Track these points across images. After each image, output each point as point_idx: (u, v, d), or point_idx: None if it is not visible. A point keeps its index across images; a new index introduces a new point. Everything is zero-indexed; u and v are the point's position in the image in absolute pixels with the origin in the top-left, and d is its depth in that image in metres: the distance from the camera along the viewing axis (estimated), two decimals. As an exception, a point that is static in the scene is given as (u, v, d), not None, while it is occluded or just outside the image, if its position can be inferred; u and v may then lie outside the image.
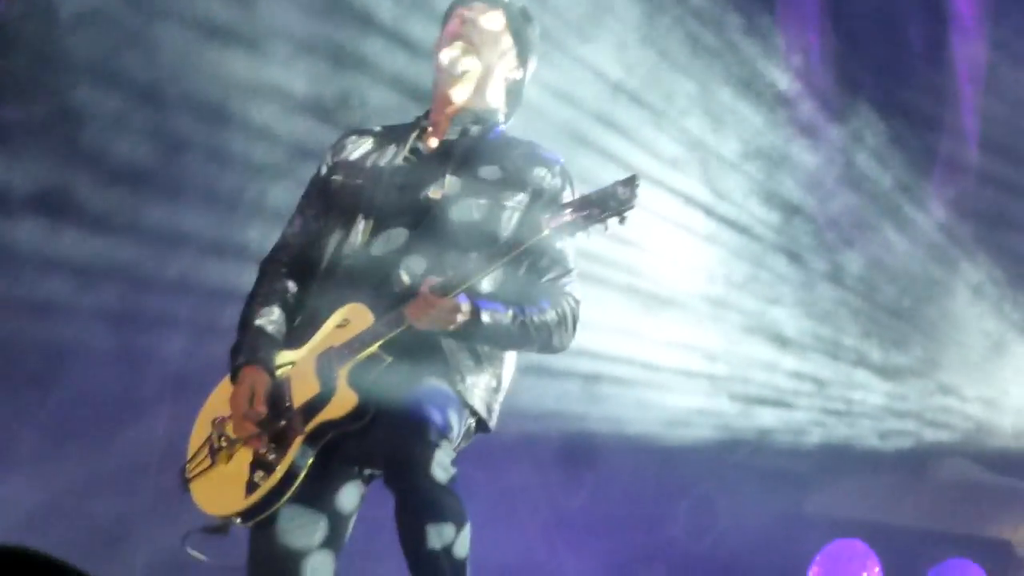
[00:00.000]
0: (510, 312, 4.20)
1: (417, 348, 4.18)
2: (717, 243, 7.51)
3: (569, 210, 4.04)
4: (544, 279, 4.32)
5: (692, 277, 7.50)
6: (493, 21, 4.54)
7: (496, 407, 4.37)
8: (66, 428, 7.45)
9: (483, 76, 4.51)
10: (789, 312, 7.63)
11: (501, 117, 4.58)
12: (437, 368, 4.22)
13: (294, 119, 7.38)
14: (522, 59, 4.59)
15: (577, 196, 4.14)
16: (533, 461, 7.81)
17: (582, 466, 7.97)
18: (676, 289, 7.41)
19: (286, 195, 6.91)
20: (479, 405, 4.28)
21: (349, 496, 4.30)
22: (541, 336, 4.27)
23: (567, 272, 4.36)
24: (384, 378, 4.14)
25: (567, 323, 4.32)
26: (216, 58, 7.32)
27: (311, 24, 7.26)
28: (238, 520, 4.21)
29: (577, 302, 4.35)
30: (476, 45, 4.49)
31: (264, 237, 6.21)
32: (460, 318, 4.10)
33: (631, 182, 4.00)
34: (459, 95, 4.50)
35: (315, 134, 7.08)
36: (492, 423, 4.34)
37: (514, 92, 4.62)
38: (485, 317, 4.15)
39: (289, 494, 4.14)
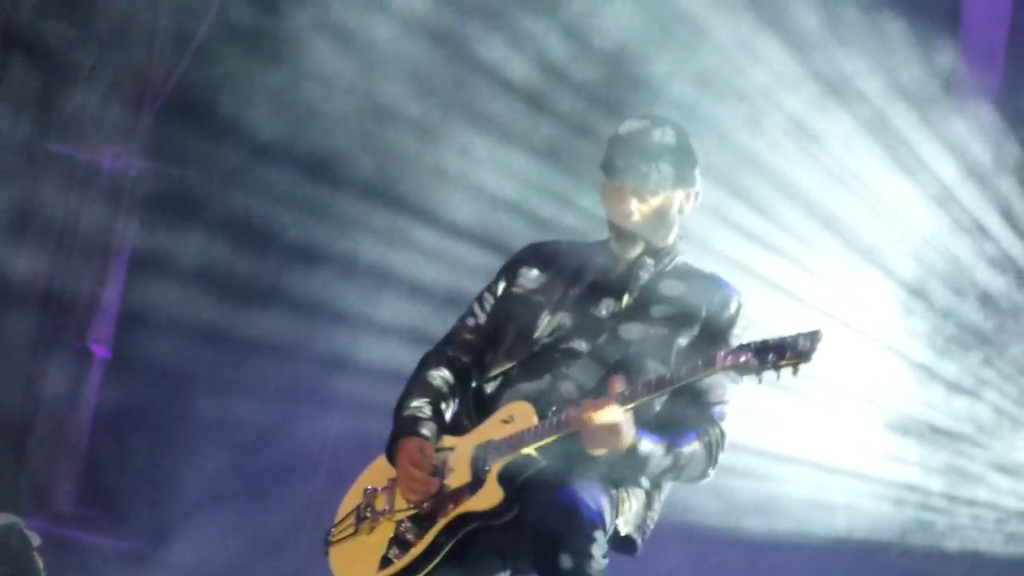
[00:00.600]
0: (664, 443, 4.17)
1: (574, 456, 4.18)
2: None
3: (747, 353, 3.98)
4: (697, 403, 4.28)
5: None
6: (656, 202, 4.43)
7: (646, 528, 4.34)
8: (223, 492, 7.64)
9: (656, 221, 4.43)
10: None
11: (678, 247, 4.50)
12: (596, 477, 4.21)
13: (476, 209, 7.49)
14: (691, 191, 4.48)
15: (758, 340, 4.04)
16: (685, 550, 7.74)
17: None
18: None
19: (455, 283, 7.08)
20: (630, 522, 4.27)
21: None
22: (688, 470, 4.23)
23: (721, 402, 4.30)
24: (534, 478, 4.16)
25: (712, 455, 4.26)
26: (392, 139, 7.53)
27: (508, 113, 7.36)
28: None
29: (723, 434, 4.28)
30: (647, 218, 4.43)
31: (429, 323, 6.34)
32: (625, 440, 4.08)
33: (814, 337, 3.91)
34: (633, 242, 4.44)
35: (494, 226, 7.19)
36: (640, 542, 4.31)
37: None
38: (644, 446, 4.13)
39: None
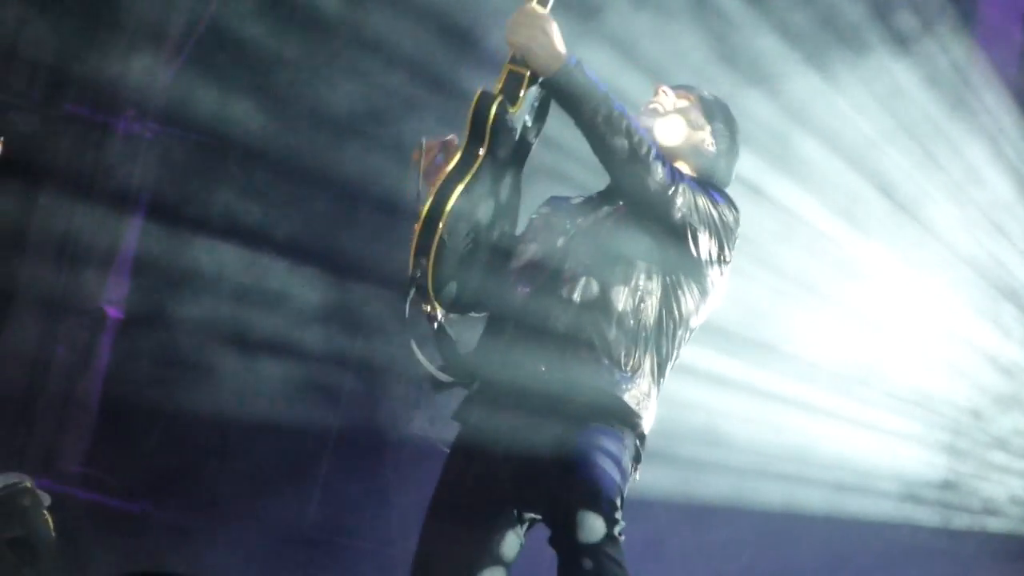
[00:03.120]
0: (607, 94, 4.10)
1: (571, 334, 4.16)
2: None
3: None
4: None
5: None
6: (684, 101, 4.51)
7: (649, 412, 4.27)
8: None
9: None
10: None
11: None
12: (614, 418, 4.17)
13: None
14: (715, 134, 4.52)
15: None
16: (693, 524, 7.78)
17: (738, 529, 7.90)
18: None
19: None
20: (645, 418, 4.21)
21: (510, 545, 4.22)
22: (616, 134, 4.07)
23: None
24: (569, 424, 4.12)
25: (641, 147, 4.09)
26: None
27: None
28: None
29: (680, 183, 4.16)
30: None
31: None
32: (554, 38, 4.01)
33: None
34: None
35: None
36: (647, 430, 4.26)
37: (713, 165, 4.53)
38: (582, 75, 4.04)
39: None
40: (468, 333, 4.31)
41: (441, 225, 4.03)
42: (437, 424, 7.51)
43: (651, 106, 4.47)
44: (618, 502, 4.07)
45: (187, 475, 8.00)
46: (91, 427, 7.97)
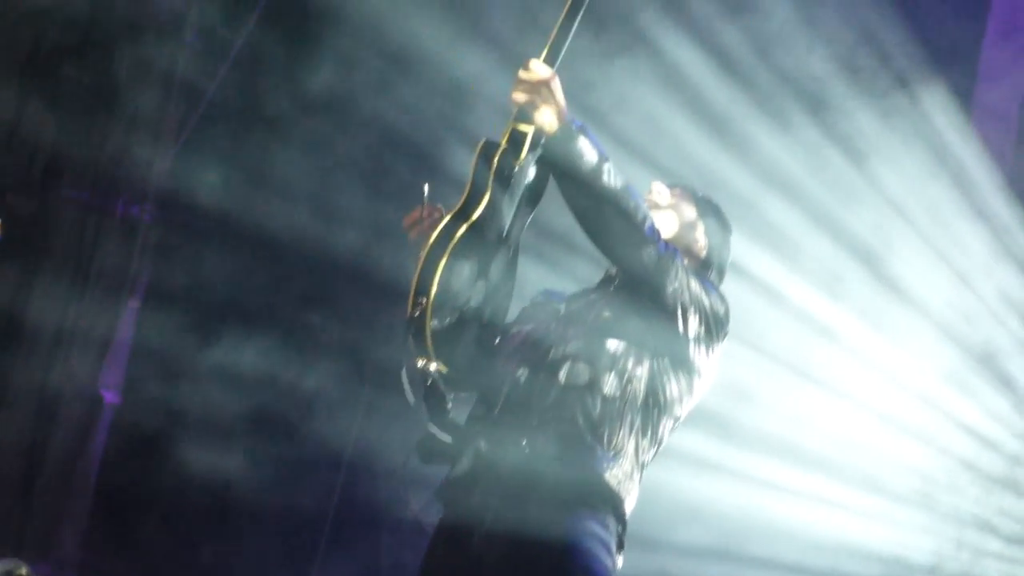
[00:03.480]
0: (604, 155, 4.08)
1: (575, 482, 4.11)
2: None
3: None
4: None
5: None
6: (679, 199, 4.56)
7: (631, 496, 4.23)
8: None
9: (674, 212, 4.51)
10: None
11: None
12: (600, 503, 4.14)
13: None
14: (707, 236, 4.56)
15: None
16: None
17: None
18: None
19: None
20: (627, 502, 4.19)
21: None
22: (617, 201, 4.05)
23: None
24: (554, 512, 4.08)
25: (638, 214, 4.09)
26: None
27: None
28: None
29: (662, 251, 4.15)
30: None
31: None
32: (558, 98, 4.00)
33: None
34: None
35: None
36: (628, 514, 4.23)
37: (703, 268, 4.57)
38: (584, 137, 4.03)
39: None
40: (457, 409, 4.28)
41: (440, 269, 4.00)
42: (432, 507, 7.47)
43: (647, 199, 4.49)
44: None
45: (184, 558, 7.95)
46: (88, 512, 7.93)
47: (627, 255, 4.11)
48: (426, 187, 4.28)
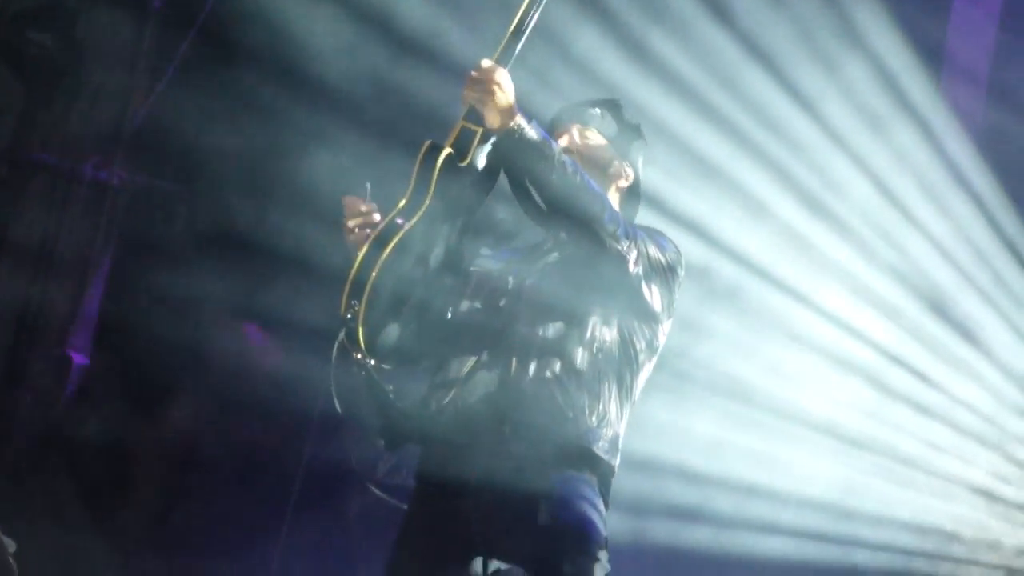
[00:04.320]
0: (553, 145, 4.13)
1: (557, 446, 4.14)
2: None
3: None
4: None
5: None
6: (594, 139, 4.51)
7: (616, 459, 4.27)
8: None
9: (590, 159, 4.45)
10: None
11: None
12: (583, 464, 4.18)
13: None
14: (630, 162, 4.54)
15: None
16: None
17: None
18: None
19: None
20: (615, 466, 4.24)
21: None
22: (576, 195, 4.10)
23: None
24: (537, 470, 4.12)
25: (598, 204, 4.14)
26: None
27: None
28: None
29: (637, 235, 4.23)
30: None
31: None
32: (507, 92, 4.04)
33: None
34: None
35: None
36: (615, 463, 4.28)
37: (632, 194, 4.57)
38: (536, 128, 4.09)
39: None
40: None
41: (376, 271, 4.03)
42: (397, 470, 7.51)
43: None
44: (604, 547, 4.09)
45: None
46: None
47: (586, 243, 4.16)
48: (368, 185, 4.32)
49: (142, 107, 8.00)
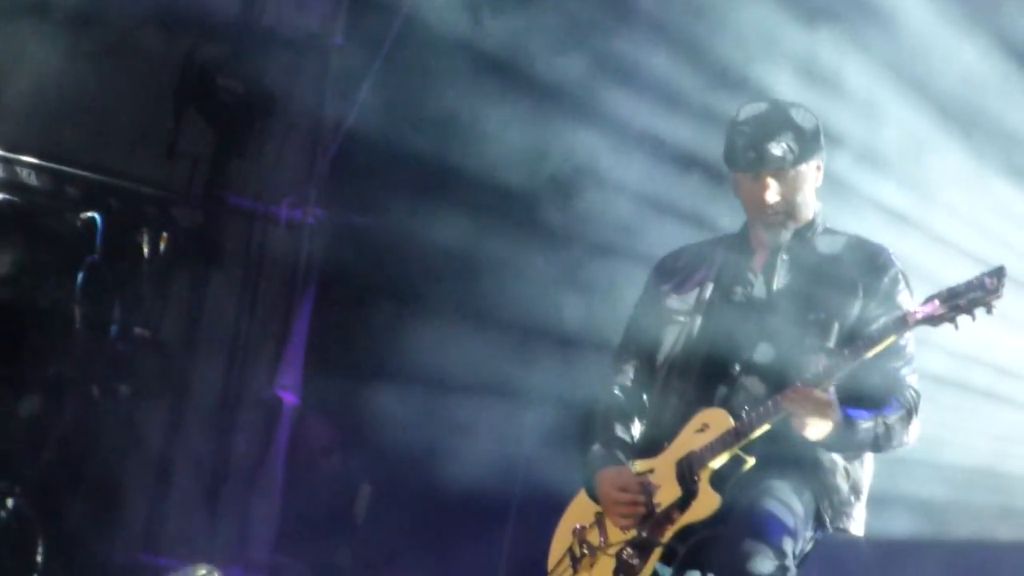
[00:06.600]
0: (873, 418, 4.19)
1: (778, 450, 4.19)
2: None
3: (936, 303, 4.01)
4: (886, 367, 4.25)
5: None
6: (790, 188, 4.41)
7: (853, 512, 4.36)
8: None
9: (799, 198, 4.42)
10: None
11: (819, 218, 4.49)
12: (798, 473, 4.24)
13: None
14: (821, 156, 4.46)
15: (944, 289, 4.06)
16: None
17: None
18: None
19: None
20: (831, 516, 4.31)
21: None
22: (897, 437, 4.24)
23: (908, 362, 4.30)
24: (746, 480, 4.19)
25: (912, 419, 4.28)
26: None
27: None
28: None
29: (918, 394, 4.30)
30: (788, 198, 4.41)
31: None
32: (833, 416, 4.07)
33: (999, 273, 3.97)
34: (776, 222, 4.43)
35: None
36: (849, 527, 4.34)
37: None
38: (854, 418, 4.14)
39: None
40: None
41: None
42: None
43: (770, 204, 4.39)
44: (792, 549, 4.10)
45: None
46: (277, 514, 8.03)
47: None
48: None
49: (332, 145, 8.06)
